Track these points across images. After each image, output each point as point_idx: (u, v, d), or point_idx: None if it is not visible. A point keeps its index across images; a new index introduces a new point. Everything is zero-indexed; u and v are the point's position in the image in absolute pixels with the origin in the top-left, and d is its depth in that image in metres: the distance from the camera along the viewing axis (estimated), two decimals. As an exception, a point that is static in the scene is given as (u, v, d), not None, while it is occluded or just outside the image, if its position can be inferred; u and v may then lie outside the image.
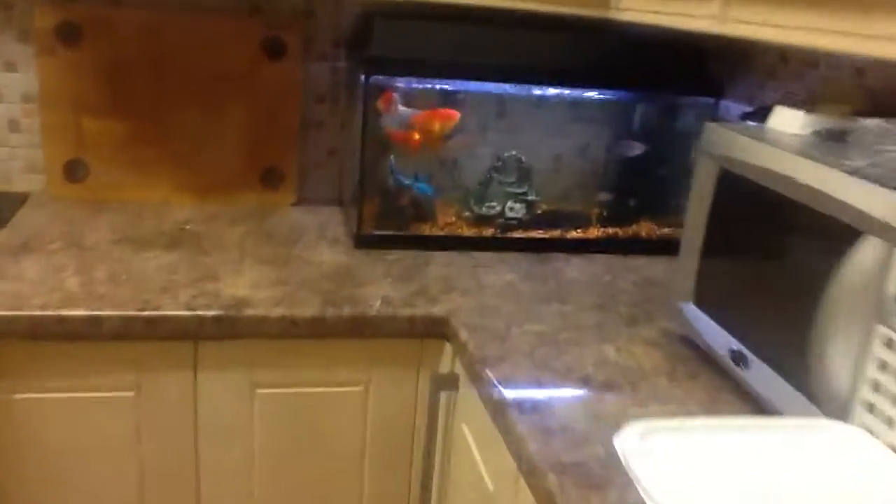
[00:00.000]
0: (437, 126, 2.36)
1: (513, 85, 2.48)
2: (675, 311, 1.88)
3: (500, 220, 2.53)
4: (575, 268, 2.39)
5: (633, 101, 2.68)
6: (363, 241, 2.37)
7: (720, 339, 1.71)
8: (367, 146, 2.34)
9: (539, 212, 2.58)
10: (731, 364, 1.65)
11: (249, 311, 1.89)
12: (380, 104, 2.37)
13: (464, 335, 1.87)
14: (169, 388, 1.93)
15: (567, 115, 2.75)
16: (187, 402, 1.95)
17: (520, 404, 1.56)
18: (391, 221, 2.46)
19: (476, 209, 2.55)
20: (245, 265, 2.17)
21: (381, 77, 2.32)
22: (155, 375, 1.91)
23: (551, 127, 2.75)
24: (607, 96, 2.60)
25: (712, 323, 1.75)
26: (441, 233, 2.46)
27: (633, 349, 1.86)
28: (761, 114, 2.36)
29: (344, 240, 2.44)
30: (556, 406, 1.56)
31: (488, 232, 2.49)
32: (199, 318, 1.86)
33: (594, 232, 2.55)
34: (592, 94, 2.57)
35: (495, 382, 1.65)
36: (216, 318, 1.87)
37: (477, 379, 1.74)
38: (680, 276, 1.86)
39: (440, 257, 2.37)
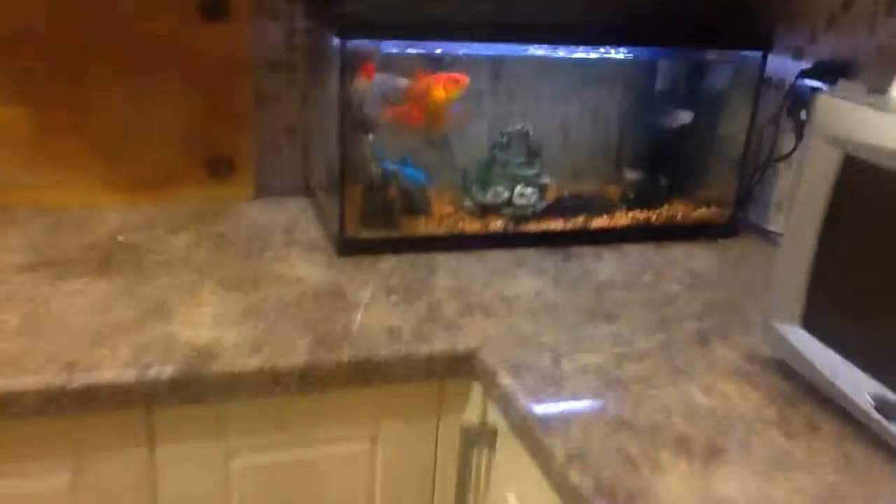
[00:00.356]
0: (440, 95, 1.87)
1: (516, 45, 1.99)
2: (771, 334, 1.47)
3: (510, 210, 2.08)
4: (607, 265, 1.96)
5: (659, 59, 2.23)
6: (349, 248, 1.90)
7: (852, 379, 1.31)
8: (346, 128, 1.85)
9: (555, 197, 2.13)
10: (875, 414, 1.25)
11: (216, 367, 1.41)
12: (361, 76, 1.87)
13: (505, 380, 1.43)
14: (117, 468, 1.45)
15: (578, 79, 2.31)
16: (142, 485, 1.47)
17: (601, 488, 1.14)
18: (379, 219, 1.98)
19: (479, 197, 2.09)
20: (203, 291, 1.68)
21: (359, 42, 1.81)
22: (98, 454, 1.43)
23: (561, 93, 2.30)
24: (627, 55, 2.14)
25: (835, 356, 1.35)
26: (440, 230, 2.00)
27: (723, 387, 1.44)
28: (823, 71, 1.95)
29: (322, 244, 1.96)
30: (651, 488, 1.14)
31: (496, 225, 2.03)
32: (149, 382, 1.38)
33: (622, 218, 2.12)
34: (609, 52, 2.11)
35: (557, 448, 1.22)
36: (172, 382, 1.39)
37: (530, 437, 1.31)
38: (780, 289, 1.44)
39: (445, 262, 1.91)
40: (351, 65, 1.85)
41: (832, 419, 1.36)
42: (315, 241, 1.99)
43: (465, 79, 1.91)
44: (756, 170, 2.21)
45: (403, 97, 1.90)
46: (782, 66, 2.15)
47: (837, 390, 1.35)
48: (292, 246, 1.95)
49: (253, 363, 1.43)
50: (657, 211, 2.16)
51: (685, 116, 2.17)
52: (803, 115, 2.00)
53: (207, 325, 1.54)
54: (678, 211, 2.18)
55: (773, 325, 1.46)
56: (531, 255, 2.00)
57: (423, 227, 2.00)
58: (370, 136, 2.04)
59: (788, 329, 1.44)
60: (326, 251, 1.93)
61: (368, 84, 1.88)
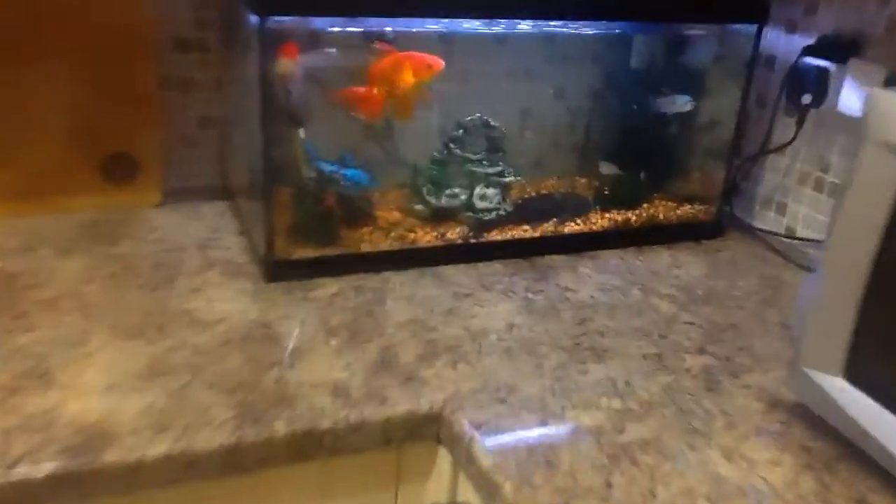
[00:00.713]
0: (408, 80, 1.55)
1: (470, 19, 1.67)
2: (802, 383, 1.21)
3: (469, 215, 1.77)
4: (586, 280, 1.67)
5: (634, 34, 1.93)
6: (279, 271, 1.57)
7: (919, 450, 1.05)
8: (269, 123, 1.50)
9: (520, 198, 1.83)
10: (953, 499, 1.00)
11: (111, 455, 1.08)
12: (282, 58, 1.53)
13: (484, 457, 1.13)
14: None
15: (544, 58, 1.99)
16: None
17: None
18: (315, 233, 1.65)
19: (432, 200, 1.78)
20: (94, 342, 1.33)
21: (282, 18, 1.46)
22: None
23: (523, 75, 1.98)
24: (599, 29, 1.83)
25: (886, 413, 1.09)
26: (387, 243, 1.68)
27: (748, 451, 1.18)
28: (829, 48, 1.68)
29: (246, 266, 1.62)
30: None
31: (454, 234, 1.72)
32: (20, 483, 1.04)
33: (598, 221, 1.83)
34: (578, 27, 1.80)
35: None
36: (51, 480, 1.05)
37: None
38: (816, 332, 1.18)
39: (396, 284, 1.60)
40: (273, 46, 1.50)
41: (882, 489, 1.11)
42: (237, 260, 1.65)
43: (439, 63, 1.58)
44: (745, 161, 1.95)
45: (347, 77, 1.57)
46: (775, 41, 1.88)
47: (888, 455, 1.09)
48: (210, 269, 1.60)
49: (159, 447, 1.11)
50: (636, 211, 1.88)
51: (682, 102, 1.87)
52: (806, 98, 1.73)
53: (99, 392, 1.21)
54: (659, 210, 1.91)
55: (805, 373, 1.20)
56: (497, 270, 1.70)
57: (369, 239, 1.68)
58: (300, 132, 1.70)
59: (825, 379, 1.17)
60: (252, 275, 1.59)
61: (291, 66, 1.53)
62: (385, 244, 1.68)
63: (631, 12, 1.68)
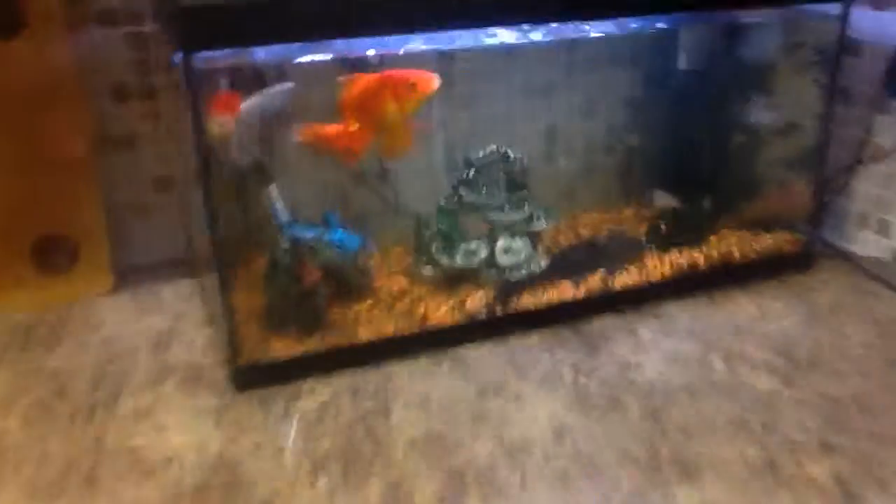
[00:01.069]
0: (390, 108, 1.19)
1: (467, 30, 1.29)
2: None
3: (492, 275, 1.39)
4: (650, 348, 1.30)
5: (680, 28, 1.55)
6: (250, 378, 1.21)
7: None
8: (210, 184, 1.14)
9: (555, 248, 1.45)
10: None
11: None
12: (215, 117, 1.17)
13: None
14: None
15: (564, 66, 1.61)
16: None
17: None
18: (295, 320, 1.28)
19: (444, 260, 1.40)
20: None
21: (212, 52, 1.10)
22: None
23: (539, 89, 1.60)
24: (632, 26, 1.45)
25: None
26: (392, 323, 1.31)
27: None
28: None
29: (212, 371, 1.27)
30: None
31: (475, 302, 1.34)
32: None
33: (656, 266, 1.44)
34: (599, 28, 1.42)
35: None
36: None
37: None
38: None
39: (404, 379, 1.24)
40: (205, 89, 1.14)
41: None
42: (201, 362, 1.29)
43: (428, 81, 1.19)
44: (837, 173, 1.55)
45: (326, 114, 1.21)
46: (859, 22, 1.48)
47: None
48: (165, 380, 1.24)
49: None
50: (703, 249, 1.49)
51: (767, 113, 1.49)
52: (914, 91, 1.33)
53: None
54: (732, 244, 1.51)
55: None
56: (533, 345, 1.32)
57: (367, 320, 1.31)
58: (271, 191, 1.34)
59: None
60: (218, 384, 1.22)
61: (227, 123, 1.17)
62: (388, 324, 1.30)
63: (674, 2, 1.30)
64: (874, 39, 1.47)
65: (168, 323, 1.41)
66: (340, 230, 1.38)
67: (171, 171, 1.56)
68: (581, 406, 1.15)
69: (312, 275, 1.29)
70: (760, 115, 1.58)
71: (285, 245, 1.31)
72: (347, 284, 1.36)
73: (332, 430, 1.11)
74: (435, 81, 1.17)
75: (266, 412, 1.16)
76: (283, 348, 1.25)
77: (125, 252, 1.56)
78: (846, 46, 1.46)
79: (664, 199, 1.53)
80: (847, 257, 1.58)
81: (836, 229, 1.64)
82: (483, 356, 1.29)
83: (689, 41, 1.56)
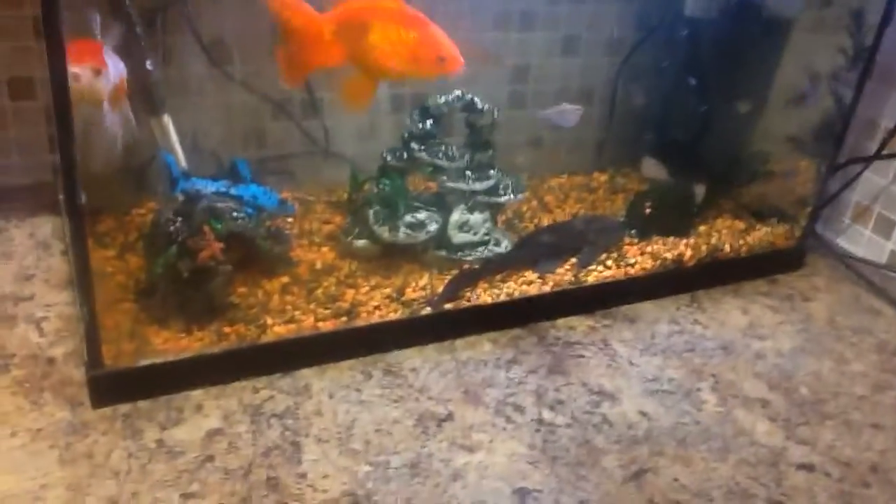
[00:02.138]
0: (392, 55, 0.88)
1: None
2: None
3: (441, 256, 1.11)
4: (627, 372, 1.07)
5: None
6: (113, 389, 0.90)
7: None
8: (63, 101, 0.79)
9: (522, 228, 1.18)
10: None
11: None
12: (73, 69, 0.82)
13: None
14: None
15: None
16: None
17: None
18: (183, 307, 0.97)
19: (383, 233, 1.11)
20: None
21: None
22: None
23: (515, 21, 1.29)
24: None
25: None
26: (311, 312, 1.02)
27: None
28: None
29: (66, 368, 0.95)
30: None
31: (415, 290, 1.07)
32: None
33: (637, 259, 1.20)
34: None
35: None
36: None
37: None
38: None
39: (322, 397, 0.97)
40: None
41: None
42: (52, 353, 0.97)
43: (458, 65, 0.90)
44: (850, 162, 1.31)
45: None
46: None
47: None
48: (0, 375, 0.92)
49: None
50: (690, 239, 1.24)
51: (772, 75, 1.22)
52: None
53: None
54: (722, 236, 1.27)
55: None
56: (487, 355, 1.06)
57: (277, 309, 1.01)
58: (163, 121, 1.01)
59: None
60: (71, 389, 0.92)
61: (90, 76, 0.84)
62: (306, 314, 1.01)
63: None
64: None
65: (13, 283, 1.08)
66: (254, 184, 1.06)
67: (35, 72, 1.19)
68: (547, 456, 0.91)
69: (211, 246, 0.98)
70: (770, 79, 1.32)
71: (176, 203, 0.98)
72: (257, 257, 1.06)
73: (219, 479, 0.83)
74: (461, 68, 0.87)
75: (130, 441, 0.86)
76: (165, 345, 0.95)
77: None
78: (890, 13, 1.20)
79: (654, 170, 1.26)
80: (840, 257, 1.37)
81: (830, 220, 1.43)
82: (423, 367, 1.02)
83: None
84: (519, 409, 0.97)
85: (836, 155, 1.26)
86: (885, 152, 1.28)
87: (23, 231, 1.19)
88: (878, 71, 1.30)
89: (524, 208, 1.31)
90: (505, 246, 1.16)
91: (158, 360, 0.93)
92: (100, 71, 0.88)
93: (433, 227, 1.12)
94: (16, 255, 1.14)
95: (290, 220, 1.19)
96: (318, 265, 1.11)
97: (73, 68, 0.77)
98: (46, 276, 1.10)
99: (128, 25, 1.00)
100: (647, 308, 1.19)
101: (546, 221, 1.27)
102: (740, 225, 1.31)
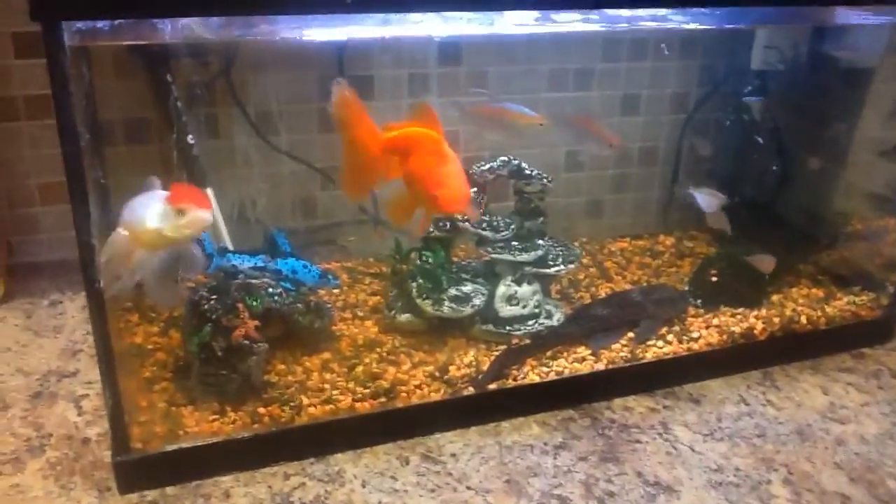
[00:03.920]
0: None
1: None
2: None
3: (489, 330, 1.05)
4: (688, 460, 0.98)
5: (755, 26, 1.18)
6: (141, 474, 0.88)
7: None
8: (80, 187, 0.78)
9: (573, 298, 1.12)
10: None
11: None
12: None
13: None
14: None
15: (602, 52, 1.24)
16: None
17: None
18: (216, 388, 0.95)
19: (427, 306, 1.06)
20: None
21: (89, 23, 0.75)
22: None
23: (568, 77, 1.24)
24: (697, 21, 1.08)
25: None
26: (346, 400, 0.97)
27: None
28: None
29: (98, 451, 0.93)
30: None
31: (460, 372, 1.01)
32: None
33: (701, 332, 1.11)
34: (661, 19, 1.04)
35: None
36: None
37: None
38: None
39: (355, 486, 0.91)
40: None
41: None
42: (86, 432, 0.95)
43: (455, 205, 0.83)
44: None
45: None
46: None
47: None
48: (32, 459, 0.91)
49: None
50: (761, 310, 1.15)
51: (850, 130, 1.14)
52: None
53: None
54: (799, 306, 1.17)
55: None
56: (534, 439, 0.99)
57: (315, 388, 0.98)
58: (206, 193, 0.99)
59: None
60: (100, 473, 0.89)
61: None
62: (343, 395, 0.97)
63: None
64: None
65: (59, 358, 1.08)
66: (292, 258, 1.03)
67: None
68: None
69: (245, 325, 0.95)
70: (849, 133, 1.22)
71: (212, 280, 0.96)
72: (297, 332, 1.03)
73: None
74: (463, 207, 0.82)
75: (158, 528, 0.83)
76: (196, 427, 0.92)
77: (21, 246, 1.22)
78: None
79: (719, 222, 1.16)
80: (936, 327, 1.24)
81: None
82: (465, 452, 0.96)
83: (767, 37, 1.18)
84: (565, 501, 0.90)
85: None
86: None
87: (76, 304, 1.20)
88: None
89: (581, 276, 1.24)
90: (557, 319, 1.09)
91: (187, 444, 0.90)
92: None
93: (479, 300, 1.07)
94: (65, 328, 1.15)
95: (335, 292, 1.16)
96: (361, 340, 1.07)
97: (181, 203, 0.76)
98: (92, 352, 1.09)
99: (167, 98, 1.00)
100: (714, 387, 1.10)
101: (604, 290, 1.20)
102: (819, 293, 1.21)
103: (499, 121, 1.07)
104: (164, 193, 0.79)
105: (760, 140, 1.17)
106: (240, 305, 0.96)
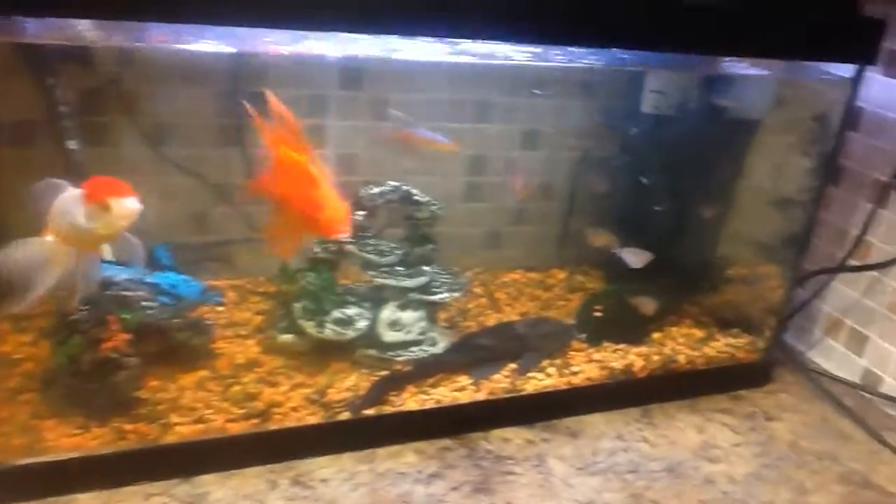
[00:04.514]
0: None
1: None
2: None
3: (371, 356, 1.05)
4: (559, 495, 0.97)
5: (647, 68, 1.22)
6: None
7: None
8: None
9: (459, 325, 1.13)
10: None
11: None
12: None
13: None
14: None
15: (504, 87, 1.27)
16: None
17: None
18: (82, 403, 0.91)
19: (309, 328, 1.05)
20: None
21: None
22: None
23: (469, 111, 1.26)
24: (595, 59, 1.10)
25: None
26: (219, 421, 0.95)
27: None
28: None
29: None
30: None
31: (339, 395, 1.00)
32: None
33: (582, 367, 1.13)
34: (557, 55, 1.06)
35: None
36: None
37: None
38: None
39: (218, 509, 0.88)
40: None
41: None
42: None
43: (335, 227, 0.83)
44: (819, 272, 1.25)
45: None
46: (883, 92, 1.18)
47: None
48: None
49: None
50: (642, 347, 1.17)
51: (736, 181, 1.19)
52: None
53: None
54: (679, 345, 1.20)
55: None
56: (408, 468, 0.98)
57: (186, 407, 0.95)
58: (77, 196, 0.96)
59: None
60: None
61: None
62: (216, 415, 0.95)
63: (663, 39, 0.96)
64: (876, 109, 1.18)
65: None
66: (172, 272, 1.01)
67: None
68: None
69: (115, 337, 0.93)
70: (733, 181, 1.27)
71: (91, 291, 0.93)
72: (175, 349, 1.00)
73: None
74: (345, 228, 0.82)
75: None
76: (57, 441, 0.88)
77: None
78: (850, 117, 1.15)
79: (636, 257, 1.18)
80: (809, 374, 1.29)
81: (799, 331, 1.35)
82: (336, 478, 0.95)
83: (658, 82, 1.22)
84: (437, 533, 0.89)
85: (800, 263, 1.20)
86: (852, 263, 1.22)
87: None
88: (850, 179, 1.26)
89: (472, 305, 1.25)
90: (442, 347, 1.10)
91: (45, 458, 0.87)
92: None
93: (363, 324, 1.06)
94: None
95: (219, 309, 1.14)
96: (240, 359, 1.05)
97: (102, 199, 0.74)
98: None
99: (50, 104, 0.97)
100: (592, 421, 1.12)
101: (493, 321, 1.21)
102: (699, 334, 1.24)
103: (412, 147, 1.08)
104: (80, 192, 0.77)
105: (645, 181, 1.20)
106: (111, 318, 0.93)
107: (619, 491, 1.00)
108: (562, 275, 1.37)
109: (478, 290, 1.29)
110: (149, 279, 0.99)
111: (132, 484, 0.90)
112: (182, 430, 0.93)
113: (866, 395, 1.26)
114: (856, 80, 1.09)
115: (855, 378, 1.28)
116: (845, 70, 1.10)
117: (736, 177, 1.24)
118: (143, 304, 0.96)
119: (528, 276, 1.36)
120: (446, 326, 1.17)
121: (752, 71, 1.15)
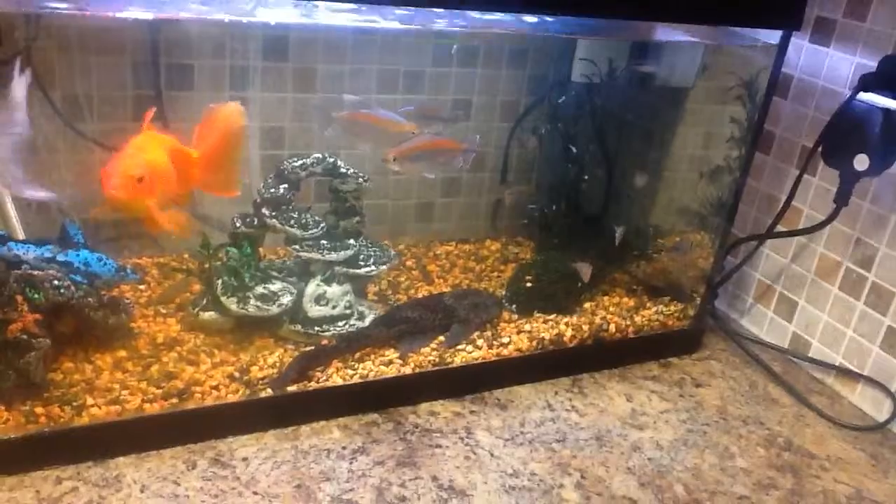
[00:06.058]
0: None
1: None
2: None
3: (296, 331, 1.03)
4: (485, 464, 0.98)
5: (576, 34, 1.20)
6: None
7: None
8: None
9: (386, 302, 1.11)
10: None
11: None
12: None
13: None
14: None
15: (427, 60, 1.25)
16: None
17: None
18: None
19: (232, 304, 1.02)
20: None
21: None
22: None
23: (397, 80, 1.24)
24: (520, 24, 1.09)
25: None
26: (135, 402, 0.92)
27: None
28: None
29: None
30: None
31: (263, 368, 0.98)
32: None
33: (512, 338, 1.12)
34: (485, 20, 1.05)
35: None
36: None
37: None
38: None
39: (133, 491, 0.86)
40: None
41: None
42: None
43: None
44: (747, 239, 1.26)
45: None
46: (809, 59, 1.19)
47: None
48: None
49: None
50: (572, 317, 1.17)
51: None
52: (861, 161, 1.04)
53: None
54: (609, 314, 1.20)
55: None
56: (333, 443, 0.97)
57: (102, 388, 0.92)
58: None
59: None
60: None
61: None
62: (133, 396, 0.92)
63: (591, 4, 0.94)
64: (805, 77, 1.19)
65: None
66: (86, 250, 0.98)
67: None
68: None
69: (23, 318, 0.89)
70: (663, 150, 1.26)
71: (-8, 269, 0.90)
72: (91, 329, 0.97)
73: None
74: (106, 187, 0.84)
75: None
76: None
77: None
78: (777, 84, 1.15)
79: (585, 270, 1.18)
80: (739, 341, 1.30)
81: (731, 297, 1.37)
82: (257, 456, 0.93)
83: (588, 51, 1.21)
84: (354, 506, 0.88)
85: (729, 230, 1.20)
86: (780, 229, 1.23)
87: None
88: (778, 146, 1.26)
89: (403, 279, 1.23)
90: (369, 321, 1.08)
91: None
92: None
93: (287, 299, 1.04)
94: None
95: (140, 287, 1.11)
96: (160, 338, 1.02)
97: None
98: None
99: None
100: (522, 392, 1.12)
101: (424, 293, 1.20)
102: (630, 303, 1.24)
103: (370, 128, 1.05)
104: None
105: (574, 150, 1.19)
106: (19, 298, 0.90)
107: (546, 461, 1.00)
108: (495, 246, 1.36)
109: (410, 263, 1.28)
110: (60, 257, 0.96)
111: (42, 469, 0.87)
112: (96, 412, 0.90)
113: (795, 359, 1.27)
114: (782, 47, 1.09)
115: (784, 343, 1.29)
116: (772, 37, 1.10)
117: (666, 145, 1.23)
118: (54, 282, 0.93)
119: (461, 248, 1.34)
120: (375, 300, 1.16)
121: (681, 38, 1.14)
